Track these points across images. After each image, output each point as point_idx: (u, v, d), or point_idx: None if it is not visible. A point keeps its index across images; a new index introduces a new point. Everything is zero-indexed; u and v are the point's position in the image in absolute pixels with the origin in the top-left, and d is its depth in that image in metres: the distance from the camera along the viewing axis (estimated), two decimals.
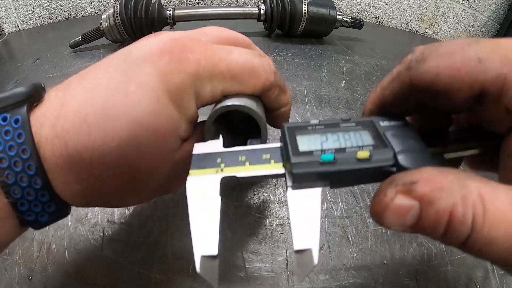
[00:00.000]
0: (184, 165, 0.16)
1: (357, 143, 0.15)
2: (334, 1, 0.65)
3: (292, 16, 0.55)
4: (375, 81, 0.48)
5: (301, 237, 0.13)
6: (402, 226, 0.12)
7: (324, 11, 0.55)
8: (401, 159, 0.14)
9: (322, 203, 0.28)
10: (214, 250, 0.13)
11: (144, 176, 0.16)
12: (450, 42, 0.15)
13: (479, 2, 0.65)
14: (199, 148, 0.16)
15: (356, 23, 0.58)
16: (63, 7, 0.66)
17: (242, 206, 0.28)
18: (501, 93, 0.13)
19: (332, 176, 0.14)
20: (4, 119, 0.13)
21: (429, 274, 0.24)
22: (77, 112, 0.14)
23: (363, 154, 0.14)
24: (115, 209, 0.27)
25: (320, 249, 0.25)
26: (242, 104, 0.16)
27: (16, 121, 0.13)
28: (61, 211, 0.15)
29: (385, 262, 0.24)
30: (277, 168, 0.15)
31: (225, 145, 0.16)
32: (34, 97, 0.14)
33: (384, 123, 0.16)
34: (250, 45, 0.20)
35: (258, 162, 0.15)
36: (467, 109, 0.14)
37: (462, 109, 0.15)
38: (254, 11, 0.55)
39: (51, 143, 0.14)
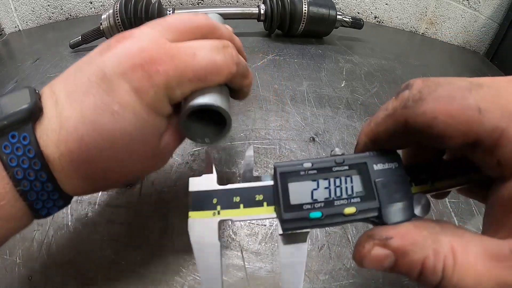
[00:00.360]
0: (164, 149, 0.20)
1: (347, 192, 0.16)
2: (334, 1, 0.65)
3: (292, 16, 0.55)
4: (375, 81, 0.48)
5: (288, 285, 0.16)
6: (381, 268, 0.14)
7: (324, 11, 0.55)
8: (385, 215, 0.16)
9: None
10: None
11: (135, 167, 0.19)
12: (449, 84, 0.14)
13: (479, 2, 0.65)
14: (195, 184, 0.17)
15: (356, 23, 0.58)
16: (63, 7, 0.66)
17: None
18: (495, 146, 0.13)
19: (320, 226, 0.16)
20: (13, 137, 0.16)
21: None
22: (74, 133, 0.16)
23: (349, 210, 0.16)
24: (116, 209, 0.27)
25: (320, 249, 0.25)
26: (208, 102, 0.19)
27: (24, 138, 0.16)
28: (67, 202, 0.18)
29: None
30: (269, 212, 0.17)
31: (198, 135, 0.20)
32: (36, 113, 0.16)
33: (377, 167, 0.16)
34: (214, 30, 0.21)
35: (252, 205, 0.17)
36: (460, 151, 0.15)
37: (455, 151, 0.15)
38: (254, 11, 0.55)
39: (58, 159, 0.16)
